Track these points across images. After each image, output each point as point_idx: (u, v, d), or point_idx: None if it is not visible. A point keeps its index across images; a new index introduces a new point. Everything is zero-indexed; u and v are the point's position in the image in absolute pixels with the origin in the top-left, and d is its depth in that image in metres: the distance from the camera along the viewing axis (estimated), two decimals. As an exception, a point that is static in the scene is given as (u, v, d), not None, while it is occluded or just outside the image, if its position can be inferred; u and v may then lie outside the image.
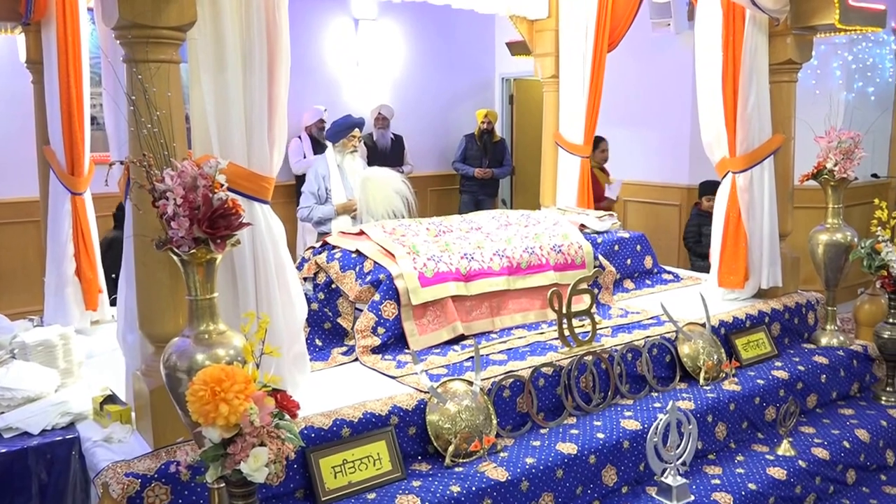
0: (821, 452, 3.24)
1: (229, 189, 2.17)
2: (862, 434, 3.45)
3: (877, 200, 3.80)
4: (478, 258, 3.56)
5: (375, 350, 3.21)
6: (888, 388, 3.85)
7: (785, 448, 3.20)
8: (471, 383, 2.86)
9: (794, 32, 3.90)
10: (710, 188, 5.32)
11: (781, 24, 3.84)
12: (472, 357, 3.04)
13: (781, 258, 4.07)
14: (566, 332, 3.21)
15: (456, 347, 3.30)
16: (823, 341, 4.00)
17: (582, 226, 4.22)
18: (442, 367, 3.09)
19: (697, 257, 5.76)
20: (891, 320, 3.81)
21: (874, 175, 6.99)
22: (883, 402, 3.79)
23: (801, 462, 3.14)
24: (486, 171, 7.25)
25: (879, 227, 3.75)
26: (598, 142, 6.00)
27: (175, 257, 2.09)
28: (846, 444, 3.35)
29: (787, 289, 4.14)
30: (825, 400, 3.74)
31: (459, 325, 3.37)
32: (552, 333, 3.35)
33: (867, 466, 3.40)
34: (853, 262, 3.94)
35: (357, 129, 4.74)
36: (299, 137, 6.71)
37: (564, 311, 3.20)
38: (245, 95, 2.48)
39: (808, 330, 4.11)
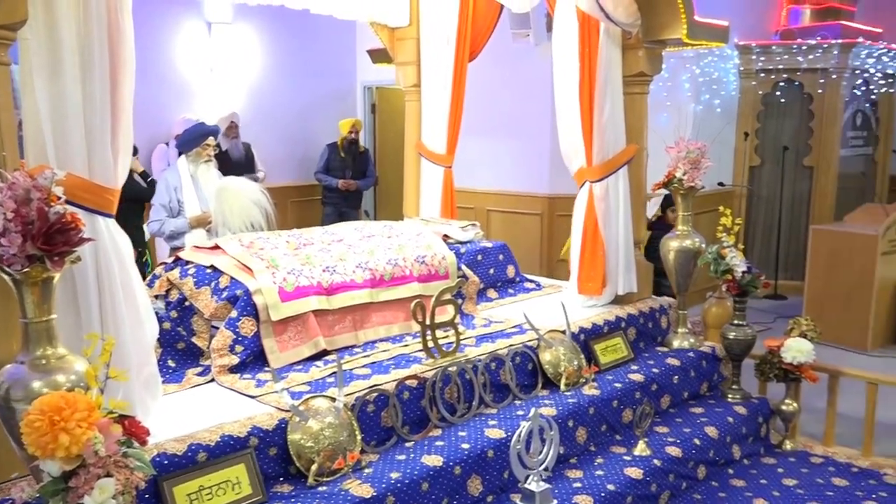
0: (674, 451, 3.38)
1: (68, 202, 2.02)
2: (711, 431, 3.63)
3: (721, 208, 4.02)
4: (340, 271, 3.47)
5: (233, 369, 3.06)
6: (734, 386, 4.08)
7: (641, 448, 3.31)
8: (334, 399, 2.77)
9: (646, 46, 4.07)
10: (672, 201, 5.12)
11: (634, 37, 3.99)
12: (335, 373, 2.95)
13: (636, 265, 4.22)
14: (430, 344, 3.18)
15: (318, 363, 3.19)
16: (675, 344, 4.19)
17: (445, 236, 4.21)
18: (304, 384, 2.98)
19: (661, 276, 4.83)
20: (736, 322, 4.04)
21: (720, 183, 7.44)
22: (729, 400, 4.01)
23: (656, 461, 3.26)
24: (350, 182, 7.13)
25: (724, 234, 3.97)
26: None
27: (6, 277, 1.90)
28: (697, 441, 3.51)
29: (641, 294, 4.30)
30: (678, 400, 3.90)
31: (322, 341, 3.26)
32: (416, 345, 3.31)
33: (716, 461, 3.58)
34: (701, 267, 4.14)
35: (211, 138, 4.53)
36: (166, 144, 6.37)
37: (428, 322, 3.16)
38: (85, 102, 2.30)
39: (661, 333, 4.29)
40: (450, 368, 3.13)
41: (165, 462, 2.33)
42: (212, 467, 2.42)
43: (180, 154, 4.64)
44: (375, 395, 2.89)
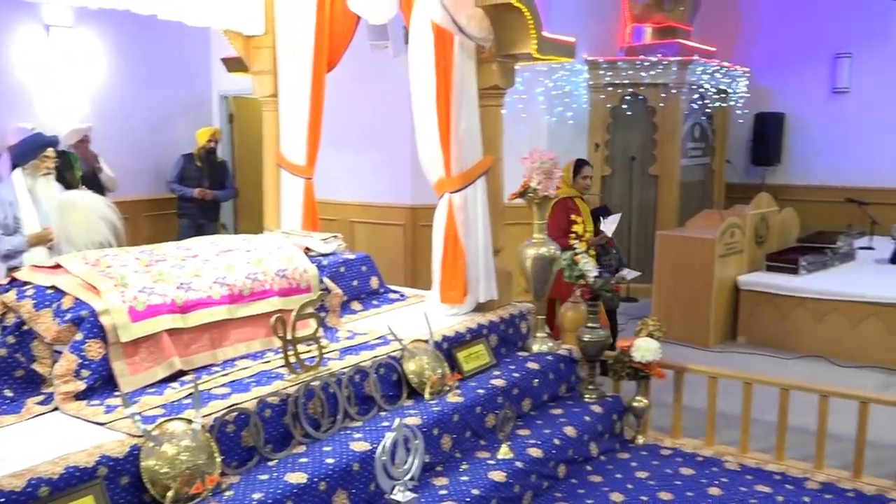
0: (535, 452, 3.48)
1: None
2: (569, 430, 3.77)
3: (573, 216, 4.19)
4: (196, 287, 3.34)
5: (80, 396, 2.87)
6: (590, 387, 4.26)
7: (504, 452, 3.39)
8: (191, 422, 2.67)
9: (499, 60, 4.19)
10: (602, 214, 5.18)
11: (487, 51, 4.11)
12: (192, 394, 2.83)
13: (496, 272, 4.33)
14: (292, 359, 3.12)
15: (174, 385, 3.06)
16: (535, 348, 4.32)
17: (307, 249, 4.15)
18: (158, 407, 2.84)
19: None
20: (590, 325, 4.22)
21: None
22: (586, 400, 4.18)
23: (518, 463, 3.35)
24: (207, 191, 6.88)
25: (576, 240, 4.14)
26: (579, 167, 5.35)
27: None
28: (556, 441, 3.64)
29: (502, 301, 4.42)
30: (538, 402, 4.03)
31: (177, 361, 3.13)
32: (278, 361, 3.24)
33: (575, 459, 3.72)
34: (557, 274, 4.30)
35: (50, 149, 4.25)
36: (-1, 155, 5.90)
37: (289, 337, 3.11)
38: None
39: (521, 338, 4.41)
40: (313, 383, 3.08)
41: (3, 500, 2.16)
42: (56, 502, 2.26)
43: (15, 167, 4.32)
44: (235, 414, 2.80)
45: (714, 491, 3.57)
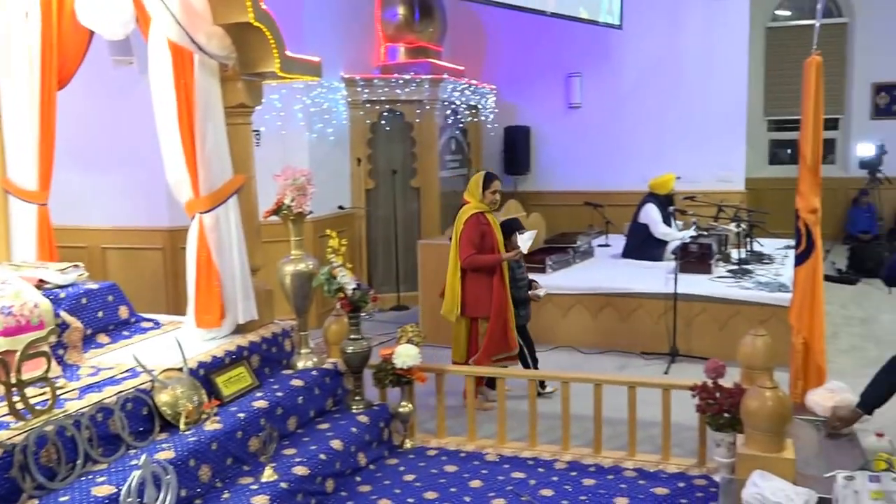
0: (301, 470, 3.47)
1: None
2: (336, 444, 3.80)
3: (328, 231, 4.23)
4: None
5: None
6: (357, 398, 4.32)
7: (268, 474, 3.34)
8: None
9: (244, 78, 4.14)
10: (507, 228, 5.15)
11: (231, 69, 4.04)
12: None
13: (255, 292, 4.26)
14: (19, 405, 2.85)
15: None
16: (300, 365, 4.30)
17: (41, 281, 3.82)
18: None
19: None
20: (352, 336, 4.28)
21: (340, 207, 7.84)
22: (353, 411, 4.23)
23: (283, 484, 3.32)
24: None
25: (333, 254, 4.19)
26: (488, 181, 5.06)
27: None
28: (323, 456, 3.65)
29: (263, 321, 4.35)
30: (305, 420, 4.02)
31: None
32: (2, 409, 2.94)
33: (343, 472, 3.76)
34: (317, 289, 4.32)
35: None
36: None
37: (14, 380, 2.83)
38: None
39: (286, 357, 4.38)
40: (45, 428, 2.83)
41: None
42: None
43: None
44: (-49, 472, 2.51)
45: (475, 483, 3.77)
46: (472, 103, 9.12)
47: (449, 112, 8.57)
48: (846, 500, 2.97)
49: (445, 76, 8.26)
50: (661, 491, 3.64)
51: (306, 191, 4.25)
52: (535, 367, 5.27)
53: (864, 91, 11.40)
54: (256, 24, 3.87)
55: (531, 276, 5.57)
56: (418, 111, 8.12)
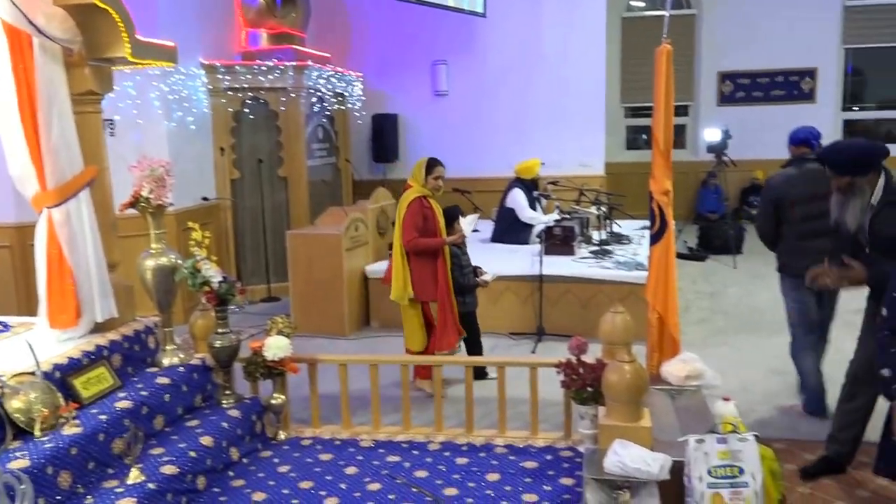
0: (170, 469, 3.36)
1: None
2: (206, 440, 3.70)
3: (190, 223, 4.10)
4: None
5: None
6: (227, 392, 4.23)
7: (134, 476, 3.21)
8: None
9: (91, 64, 3.92)
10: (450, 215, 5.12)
11: (76, 54, 3.82)
12: None
13: (114, 288, 4.07)
14: None
15: None
16: (165, 362, 4.15)
17: None
18: None
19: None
20: (219, 331, 4.17)
21: (204, 198, 7.59)
22: (224, 406, 4.13)
23: (150, 485, 3.20)
24: None
25: (196, 247, 4.06)
26: (431, 167, 5.09)
27: None
28: (192, 453, 3.55)
29: (124, 318, 4.17)
30: (172, 418, 3.89)
31: None
32: None
33: (216, 468, 3.67)
34: (181, 283, 4.18)
35: None
36: None
37: None
38: None
39: (150, 354, 4.21)
40: None
41: None
42: None
43: None
44: None
45: (351, 470, 3.79)
46: (339, 91, 9.05)
47: (315, 100, 8.46)
48: (697, 462, 3.20)
49: (310, 63, 8.15)
50: (530, 465, 3.78)
51: (165, 182, 4.09)
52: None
53: (710, 79, 12.24)
54: (102, 5, 3.67)
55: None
56: (283, 99, 7.98)
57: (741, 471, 3.15)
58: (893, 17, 11.75)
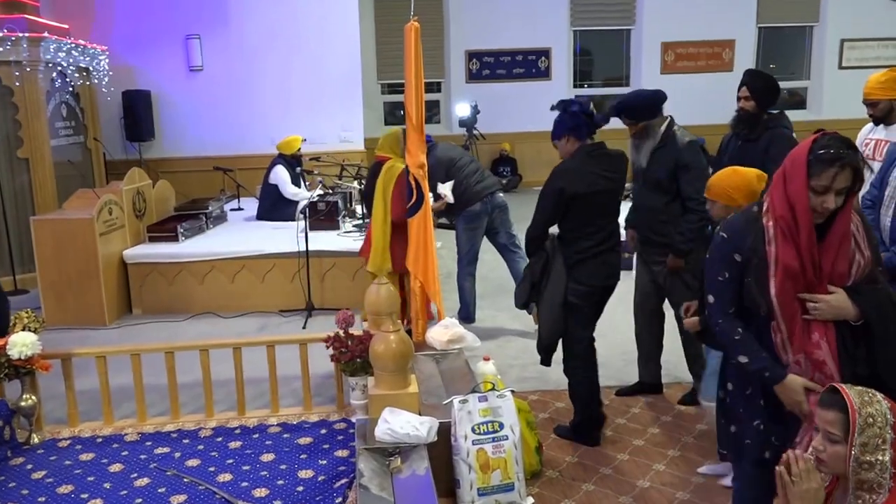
0: None
1: None
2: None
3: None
4: None
5: None
6: (-34, 399, 3.88)
7: None
8: None
9: None
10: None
11: None
12: None
13: None
14: None
15: None
16: None
17: None
18: None
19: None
20: None
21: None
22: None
23: None
24: None
25: None
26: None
27: None
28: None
29: None
30: None
31: None
32: None
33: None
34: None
35: None
36: None
37: None
38: None
39: None
40: None
41: None
42: None
43: None
44: None
45: (116, 468, 3.62)
46: (83, 65, 8.37)
47: (55, 75, 7.76)
48: (462, 421, 3.48)
49: (46, 34, 7.45)
50: (305, 440, 3.85)
51: None
52: None
53: (459, 57, 12.95)
54: None
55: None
56: (17, 73, 7.23)
57: (501, 425, 3.49)
58: (614, 2, 13.18)
